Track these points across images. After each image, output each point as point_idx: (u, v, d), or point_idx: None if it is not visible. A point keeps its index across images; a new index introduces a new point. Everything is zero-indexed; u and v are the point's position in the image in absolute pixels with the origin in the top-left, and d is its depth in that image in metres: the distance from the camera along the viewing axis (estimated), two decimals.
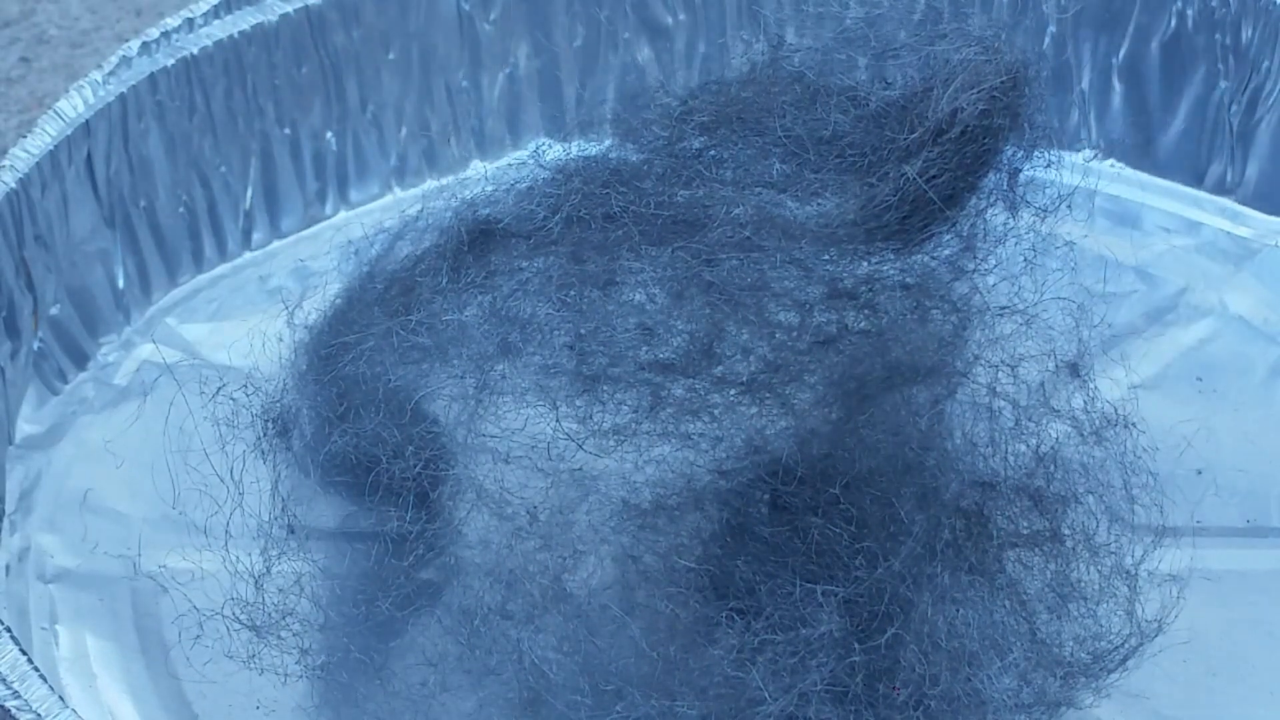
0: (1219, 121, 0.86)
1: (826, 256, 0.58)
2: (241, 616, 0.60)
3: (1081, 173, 0.75)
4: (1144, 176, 0.88)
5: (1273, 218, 0.85)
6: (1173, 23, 0.86)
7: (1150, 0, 0.86)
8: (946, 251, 0.60)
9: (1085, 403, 0.63)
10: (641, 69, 0.89)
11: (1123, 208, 0.86)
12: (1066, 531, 0.62)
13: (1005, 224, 0.61)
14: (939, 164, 0.56)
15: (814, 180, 0.58)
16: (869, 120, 0.58)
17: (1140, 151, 0.88)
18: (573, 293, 0.58)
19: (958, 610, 0.58)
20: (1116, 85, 0.88)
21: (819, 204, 0.58)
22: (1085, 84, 0.88)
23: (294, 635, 0.60)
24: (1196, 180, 0.87)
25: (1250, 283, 0.83)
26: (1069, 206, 0.63)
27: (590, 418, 0.59)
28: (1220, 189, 0.87)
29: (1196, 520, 0.69)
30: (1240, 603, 0.68)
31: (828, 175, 0.58)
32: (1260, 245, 0.84)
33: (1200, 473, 0.72)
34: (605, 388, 0.59)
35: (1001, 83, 0.57)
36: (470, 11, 0.87)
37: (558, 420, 0.59)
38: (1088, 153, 0.88)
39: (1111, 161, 0.88)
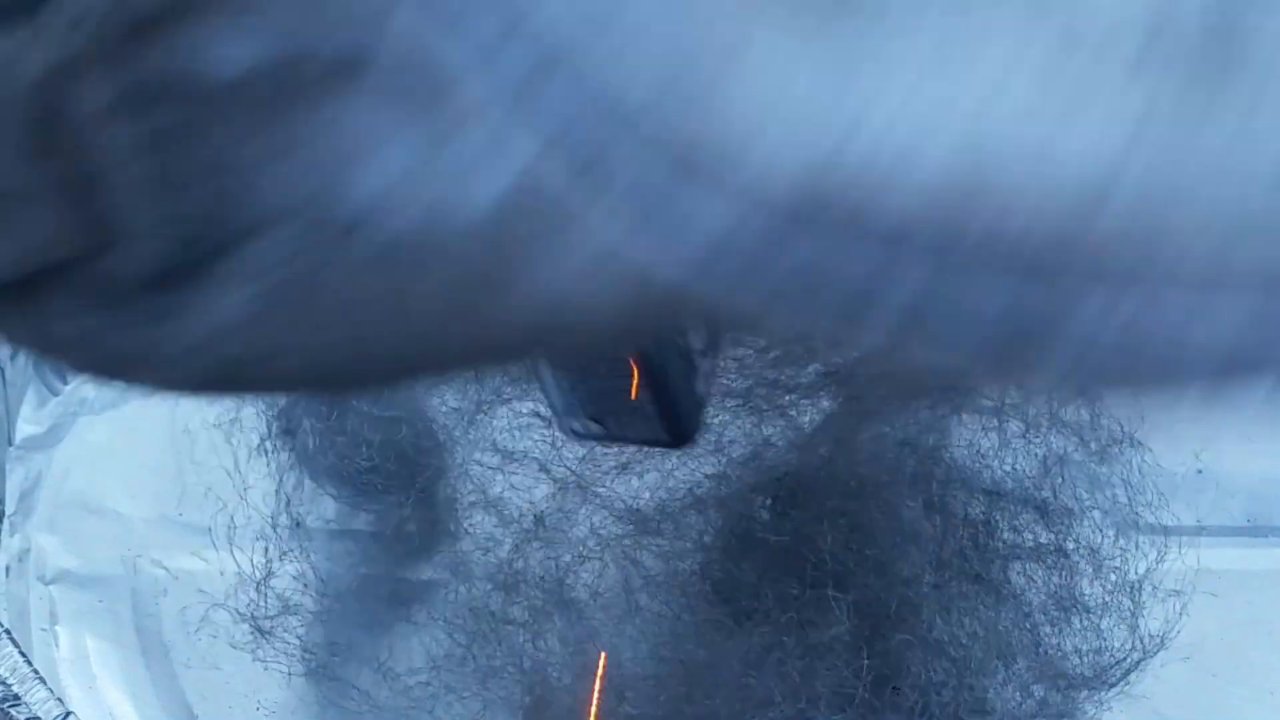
0: None
1: None
2: (242, 616, 0.60)
3: None
4: None
5: None
6: None
7: None
8: None
9: (1091, 418, 0.64)
10: None
11: None
12: (1071, 545, 0.62)
13: None
14: None
15: None
16: None
17: None
18: None
19: (963, 619, 0.58)
20: None
21: None
22: None
23: (295, 635, 0.60)
24: None
25: None
26: None
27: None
28: None
29: (1197, 520, 0.69)
30: (1240, 603, 0.68)
31: None
32: None
33: (1200, 473, 0.72)
34: None
35: None
36: None
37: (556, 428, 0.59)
38: None
39: None
